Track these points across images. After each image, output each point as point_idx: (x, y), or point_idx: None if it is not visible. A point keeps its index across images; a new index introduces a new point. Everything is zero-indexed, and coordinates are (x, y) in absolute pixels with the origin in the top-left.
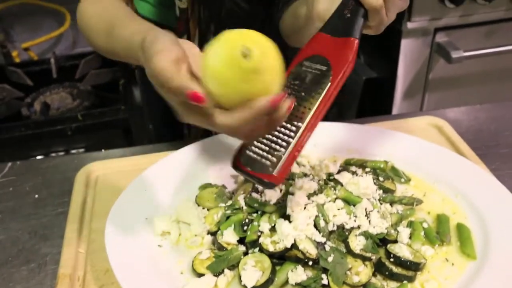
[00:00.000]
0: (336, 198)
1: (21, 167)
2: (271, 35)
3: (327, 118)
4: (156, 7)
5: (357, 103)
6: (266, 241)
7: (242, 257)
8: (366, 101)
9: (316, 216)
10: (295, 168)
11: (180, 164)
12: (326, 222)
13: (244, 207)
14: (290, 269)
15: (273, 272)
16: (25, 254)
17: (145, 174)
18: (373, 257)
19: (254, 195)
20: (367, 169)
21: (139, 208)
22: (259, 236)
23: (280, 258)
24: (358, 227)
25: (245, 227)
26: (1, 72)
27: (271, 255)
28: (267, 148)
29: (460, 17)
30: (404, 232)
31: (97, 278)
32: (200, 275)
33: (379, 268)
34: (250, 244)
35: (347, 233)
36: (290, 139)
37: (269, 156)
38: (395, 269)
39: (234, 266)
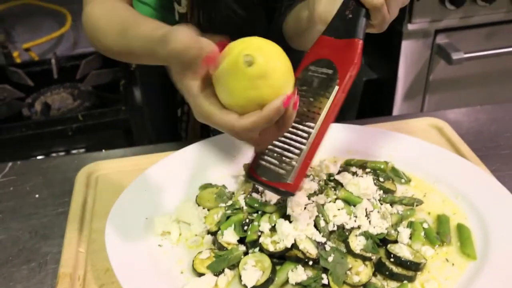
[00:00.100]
0: (336, 199)
1: (22, 167)
2: (274, 39)
3: None
4: (157, 10)
5: (358, 104)
6: (266, 241)
7: (242, 257)
8: (367, 102)
9: (317, 216)
10: None
11: (180, 164)
12: (327, 222)
13: (245, 207)
14: (290, 269)
15: (273, 272)
16: (26, 253)
17: (145, 174)
18: (373, 257)
19: (255, 195)
20: (368, 170)
21: (140, 208)
22: (259, 236)
23: (281, 258)
24: (358, 227)
25: (245, 227)
26: (2, 72)
27: (271, 255)
28: (280, 157)
29: (461, 19)
30: (404, 232)
31: (97, 278)
32: (201, 274)
33: (379, 268)
34: (250, 244)
35: (347, 233)
36: (302, 146)
37: (283, 165)
38: (395, 269)
39: (234, 266)
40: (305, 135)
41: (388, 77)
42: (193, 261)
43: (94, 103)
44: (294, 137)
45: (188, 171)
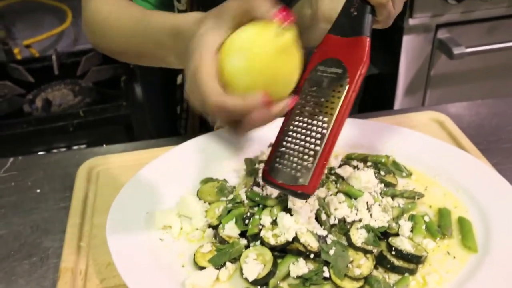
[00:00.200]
0: (337, 192)
1: (23, 162)
2: None
3: None
4: (157, 7)
5: (359, 99)
6: (268, 235)
7: (243, 250)
8: (368, 97)
9: (318, 210)
10: None
11: (181, 158)
12: (328, 216)
13: (246, 201)
14: (292, 262)
15: (275, 265)
16: (27, 248)
17: (146, 169)
18: (375, 250)
19: (256, 188)
20: (369, 163)
21: (141, 202)
22: (260, 230)
23: (282, 251)
24: (360, 220)
25: (247, 221)
26: (3, 69)
27: (272, 248)
28: (295, 159)
29: (462, 14)
30: (405, 225)
31: (98, 272)
32: (202, 268)
33: (380, 261)
34: (251, 237)
35: (348, 227)
36: (317, 147)
37: (298, 167)
38: (397, 262)
39: (235, 259)
40: (318, 136)
41: (389, 72)
42: (194, 254)
43: (95, 99)
44: (308, 138)
45: (189, 165)
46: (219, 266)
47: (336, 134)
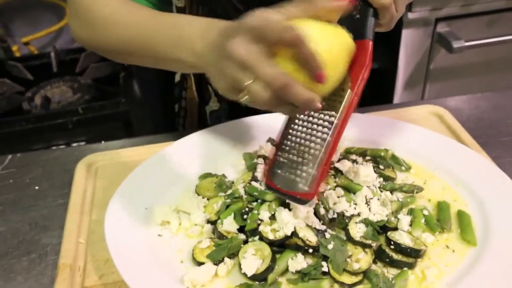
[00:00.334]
0: (336, 186)
1: (22, 159)
2: None
3: None
4: (155, 4)
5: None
6: (266, 229)
7: (242, 245)
8: (367, 91)
9: (316, 204)
10: None
11: (179, 154)
12: (326, 210)
13: (244, 196)
14: (290, 257)
15: (273, 260)
16: (26, 245)
17: (144, 165)
18: (374, 244)
19: (254, 183)
20: (368, 157)
21: (139, 198)
22: (259, 225)
23: (280, 246)
24: (358, 214)
25: (245, 216)
26: (1, 66)
27: (271, 243)
28: (296, 164)
29: (461, 7)
30: (404, 219)
31: (97, 268)
32: (200, 263)
33: (379, 255)
34: (250, 232)
35: (347, 221)
36: (318, 152)
37: (299, 172)
38: (396, 256)
39: (234, 255)
40: (319, 141)
41: (388, 66)
42: (193, 250)
43: (94, 96)
44: (309, 143)
45: (187, 161)
46: (217, 262)
47: (337, 139)
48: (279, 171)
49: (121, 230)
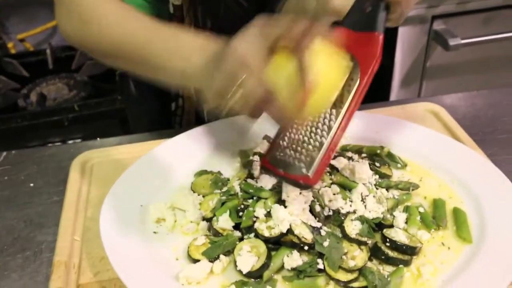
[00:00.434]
0: (332, 183)
1: (17, 156)
2: None
3: None
4: (151, 2)
5: None
6: (262, 227)
7: (237, 242)
8: None
9: (312, 201)
10: None
11: (175, 151)
12: (322, 207)
13: (240, 193)
14: (286, 254)
15: (269, 257)
16: (21, 242)
17: (140, 162)
18: (369, 242)
19: (250, 181)
20: (364, 155)
21: (134, 195)
22: (254, 222)
23: (276, 243)
24: (354, 211)
25: (241, 213)
26: None
27: (266, 240)
28: (299, 149)
29: (458, 5)
30: (400, 216)
31: (92, 265)
32: (196, 261)
33: (375, 253)
34: (245, 229)
35: (343, 218)
36: (323, 139)
37: (302, 157)
38: (391, 253)
39: (229, 252)
40: (326, 128)
41: (385, 63)
42: (188, 247)
43: (89, 93)
44: (314, 129)
45: (183, 158)
46: (213, 259)
47: (344, 128)
48: (280, 154)
49: (116, 227)
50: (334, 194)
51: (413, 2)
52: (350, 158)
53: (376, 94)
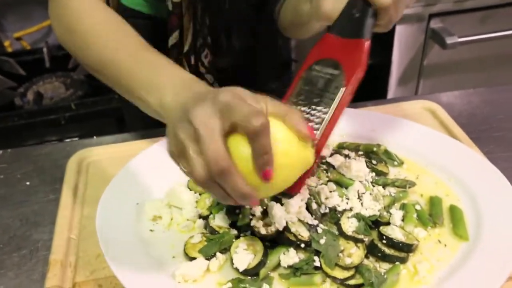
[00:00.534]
0: (328, 181)
1: (13, 155)
2: (264, 28)
3: None
4: (148, 1)
5: None
6: (258, 224)
7: (234, 240)
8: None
9: (308, 199)
10: None
11: None
12: (318, 205)
13: None
14: (282, 252)
15: (265, 255)
16: (17, 241)
17: (136, 160)
18: (366, 239)
19: None
20: (360, 152)
21: (131, 193)
22: (251, 219)
23: (272, 241)
24: (351, 209)
25: (237, 211)
26: None
27: (263, 238)
28: None
29: (455, 3)
30: (396, 214)
31: (88, 263)
32: (192, 259)
33: (371, 250)
34: (242, 227)
35: (339, 215)
36: None
37: None
38: (388, 251)
39: (226, 250)
40: None
41: (382, 62)
42: (184, 245)
43: (86, 92)
44: None
45: None
46: (209, 257)
47: (327, 137)
48: None
49: (112, 225)
50: (330, 191)
51: (403, 9)
52: (346, 156)
53: (373, 92)
